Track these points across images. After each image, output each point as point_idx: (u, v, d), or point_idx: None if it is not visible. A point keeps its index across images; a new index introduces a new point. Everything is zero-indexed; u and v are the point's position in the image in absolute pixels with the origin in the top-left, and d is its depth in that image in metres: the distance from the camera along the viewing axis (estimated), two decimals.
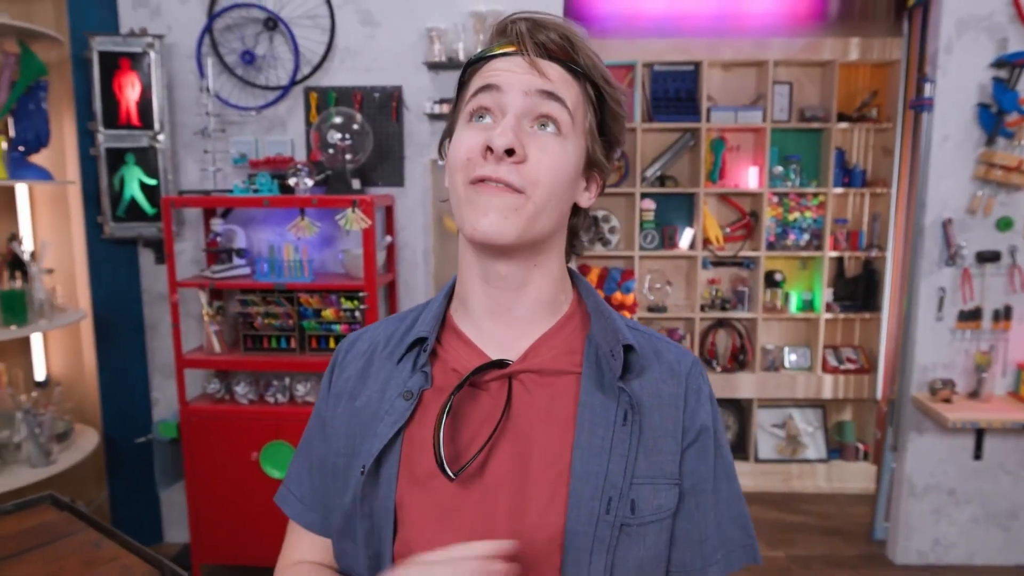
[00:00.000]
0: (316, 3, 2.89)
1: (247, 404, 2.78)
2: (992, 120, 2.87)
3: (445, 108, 2.86)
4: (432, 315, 0.81)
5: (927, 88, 2.95)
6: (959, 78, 2.90)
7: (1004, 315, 3.00)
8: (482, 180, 0.70)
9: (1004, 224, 2.95)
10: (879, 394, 3.77)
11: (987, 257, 2.96)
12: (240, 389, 2.79)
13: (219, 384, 2.84)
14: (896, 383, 3.20)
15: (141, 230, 2.94)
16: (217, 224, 2.84)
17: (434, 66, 2.87)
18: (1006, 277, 2.99)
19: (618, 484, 0.71)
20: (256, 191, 2.72)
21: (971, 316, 3.01)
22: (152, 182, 2.91)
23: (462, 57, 2.83)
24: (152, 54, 2.83)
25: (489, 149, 0.69)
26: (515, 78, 0.71)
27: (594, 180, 0.79)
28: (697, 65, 3.85)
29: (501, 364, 0.76)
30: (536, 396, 0.75)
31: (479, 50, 0.76)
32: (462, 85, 0.78)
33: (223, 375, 2.92)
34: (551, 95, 0.71)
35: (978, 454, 3.07)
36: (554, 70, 0.72)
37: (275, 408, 2.76)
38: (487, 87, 0.72)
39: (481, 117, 0.72)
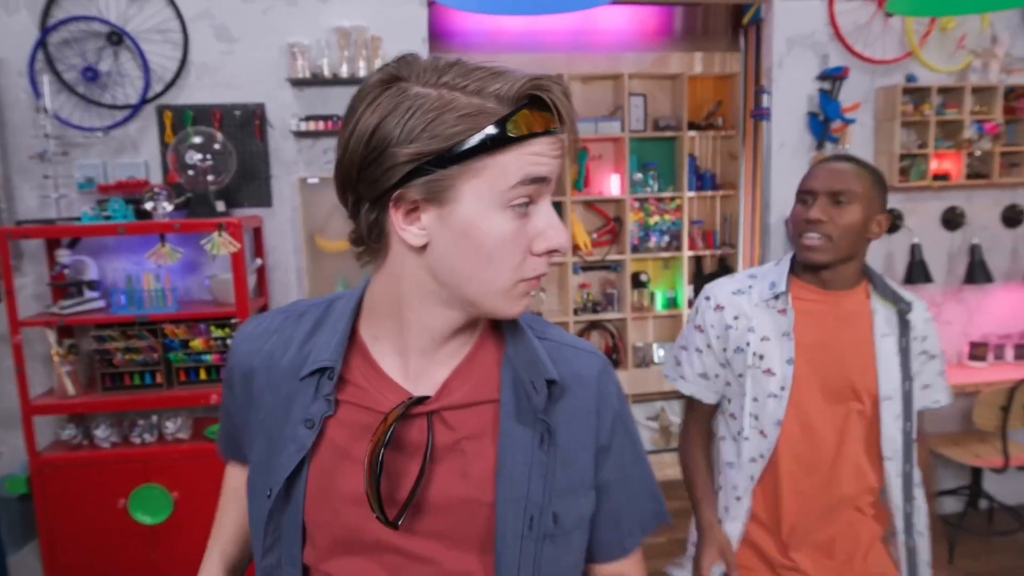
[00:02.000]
0: (166, 16, 2.73)
1: (109, 448, 2.58)
2: (820, 127, 3.19)
3: (311, 125, 2.79)
4: (338, 340, 0.77)
5: (764, 99, 3.23)
6: (791, 90, 3.20)
7: None
8: (536, 277, 0.73)
9: None
10: None
11: None
12: (100, 433, 2.58)
13: (75, 429, 2.61)
14: None
15: None
16: (63, 255, 2.62)
17: (298, 82, 2.79)
18: None
19: (539, 502, 0.74)
20: (108, 218, 2.53)
21: None
22: None
23: (327, 73, 2.76)
24: None
25: (553, 250, 0.72)
26: (555, 167, 0.70)
27: None
28: None
29: (420, 400, 0.75)
30: (458, 430, 0.75)
31: (508, 114, 0.66)
32: (492, 144, 0.66)
33: (79, 419, 2.68)
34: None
35: None
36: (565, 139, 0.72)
37: (142, 449, 2.58)
38: (537, 179, 0.69)
39: (523, 205, 0.69)
